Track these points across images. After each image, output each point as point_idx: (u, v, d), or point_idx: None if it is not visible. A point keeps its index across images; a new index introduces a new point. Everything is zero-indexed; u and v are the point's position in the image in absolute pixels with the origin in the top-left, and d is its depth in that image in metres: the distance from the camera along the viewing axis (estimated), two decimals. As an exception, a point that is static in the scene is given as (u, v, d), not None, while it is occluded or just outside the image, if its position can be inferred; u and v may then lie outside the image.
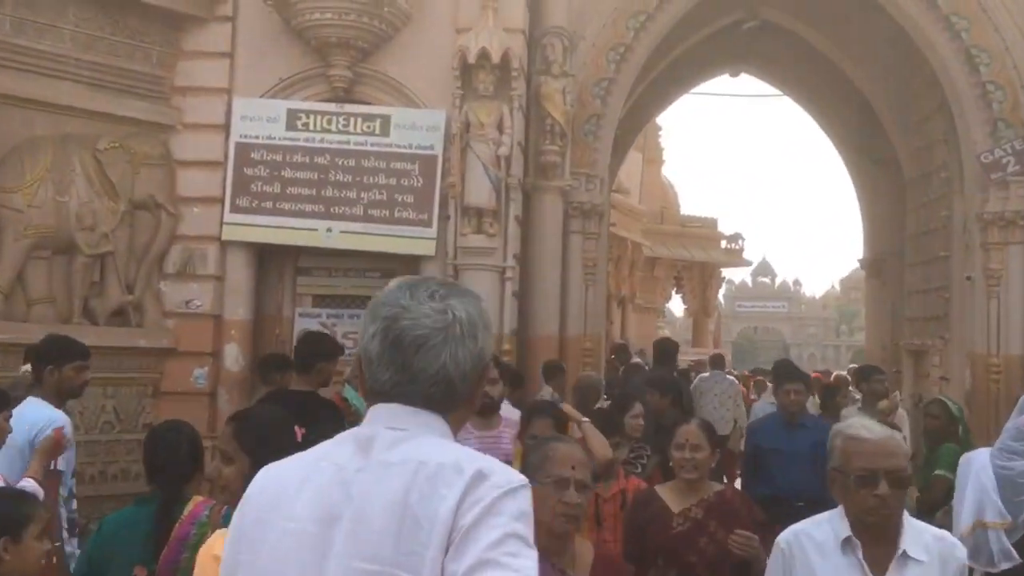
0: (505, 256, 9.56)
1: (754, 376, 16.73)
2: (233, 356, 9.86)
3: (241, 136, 9.87)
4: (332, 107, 9.88)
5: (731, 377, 13.57)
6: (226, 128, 9.93)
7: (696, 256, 27.23)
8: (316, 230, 9.79)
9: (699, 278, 27.99)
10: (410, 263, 10.10)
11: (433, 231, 9.71)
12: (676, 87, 15.66)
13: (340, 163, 9.80)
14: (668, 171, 28.08)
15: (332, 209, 9.76)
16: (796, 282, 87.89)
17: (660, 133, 27.36)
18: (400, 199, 9.74)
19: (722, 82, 16.35)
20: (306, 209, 9.79)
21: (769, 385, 11.68)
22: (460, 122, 9.46)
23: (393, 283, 1.83)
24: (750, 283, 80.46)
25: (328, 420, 5.01)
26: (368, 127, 9.81)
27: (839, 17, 12.89)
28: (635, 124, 14.96)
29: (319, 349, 6.02)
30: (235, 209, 9.85)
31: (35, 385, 5.13)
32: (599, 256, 10.87)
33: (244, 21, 10.01)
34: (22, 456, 4.63)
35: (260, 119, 9.86)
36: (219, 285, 9.93)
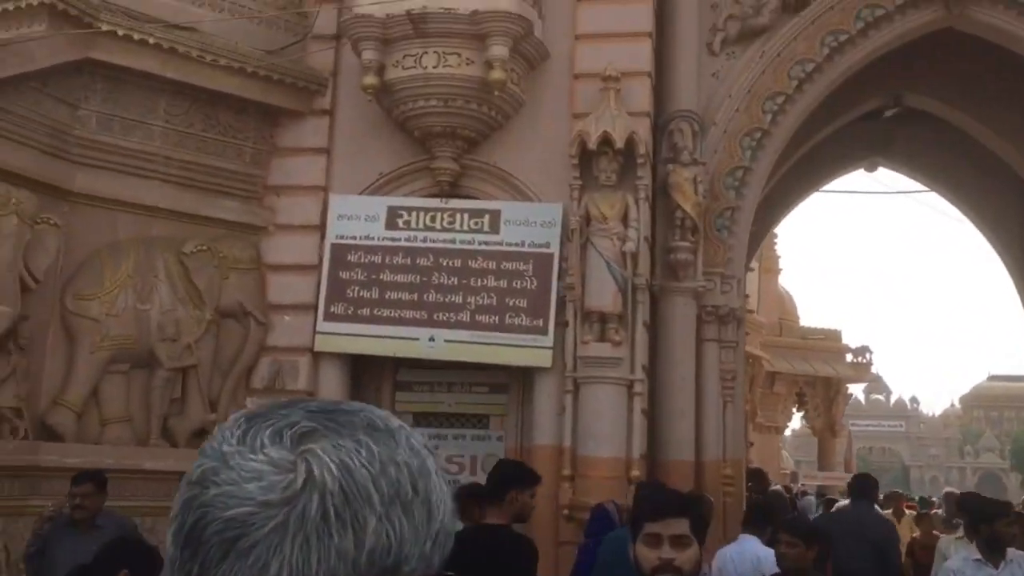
0: (633, 367, 8.26)
1: (906, 502, 14.53)
2: (323, 483, 8.69)
3: (337, 237, 8.98)
4: (436, 203, 8.93)
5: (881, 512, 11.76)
6: (321, 229, 9.07)
7: (819, 370, 25.24)
8: (417, 339, 8.71)
9: (823, 394, 25.88)
10: (523, 376, 8.90)
11: (549, 339, 8.51)
12: (805, 184, 14.37)
13: (445, 264, 8.77)
14: (786, 278, 26.49)
15: (436, 315, 8.69)
16: (913, 399, 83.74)
17: (776, 240, 25.89)
18: (512, 303, 8.61)
19: (856, 177, 14.96)
20: (407, 316, 8.74)
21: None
22: (579, 215, 8.36)
23: (233, 416, 0.91)
24: (863, 400, 76.82)
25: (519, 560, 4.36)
26: (476, 224, 8.80)
27: (996, 99, 11.50)
28: (760, 227, 13.64)
29: (511, 475, 5.11)
30: (329, 317, 8.88)
31: None
32: (737, 368, 9.45)
33: (343, 114, 9.27)
34: None
35: (358, 218, 8.97)
36: (310, 402, 8.86)
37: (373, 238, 8.92)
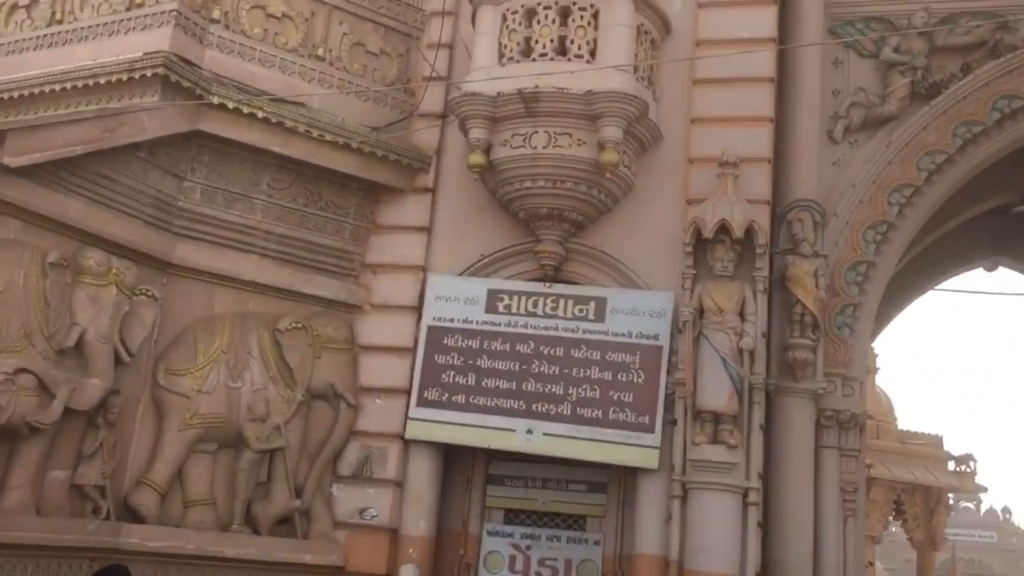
0: (748, 474, 7.60)
1: None
2: (409, 581, 8.18)
3: (435, 319, 8.63)
4: (539, 287, 8.53)
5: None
6: (418, 310, 8.74)
7: (920, 478, 23.75)
8: (514, 431, 8.23)
9: (923, 504, 24.28)
10: (626, 476, 8.32)
11: (656, 438, 7.94)
12: (920, 282, 13.56)
13: (546, 352, 8.32)
14: (885, 378, 25.31)
15: (534, 406, 8.21)
16: (1005, 509, 79.83)
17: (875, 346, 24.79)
18: (616, 397, 8.08)
19: (973, 276, 14.07)
20: (504, 405, 8.28)
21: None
22: (692, 307, 7.85)
23: None
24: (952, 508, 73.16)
25: None
26: (580, 311, 8.36)
27: None
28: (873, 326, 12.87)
29: None
30: (422, 402, 8.47)
31: None
32: (859, 479, 8.66)
33: (446, 193, 9.00)
34: None
35: (457, 300, 8.62)
36: (398, 492, 8.42)
37: (472, 322, 8.53)
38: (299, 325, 8.42)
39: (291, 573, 8.05)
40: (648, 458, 7.91)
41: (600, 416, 8.06)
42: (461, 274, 8.76)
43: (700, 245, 8.03)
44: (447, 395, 8.43)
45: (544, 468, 8.62)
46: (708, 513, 7.44)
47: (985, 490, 25.29)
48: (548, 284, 8.52)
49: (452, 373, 8.47)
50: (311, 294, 8.64)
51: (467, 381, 8.42)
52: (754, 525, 7.53)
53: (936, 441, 25.04)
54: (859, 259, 8.79)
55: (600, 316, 8.28)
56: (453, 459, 8.73)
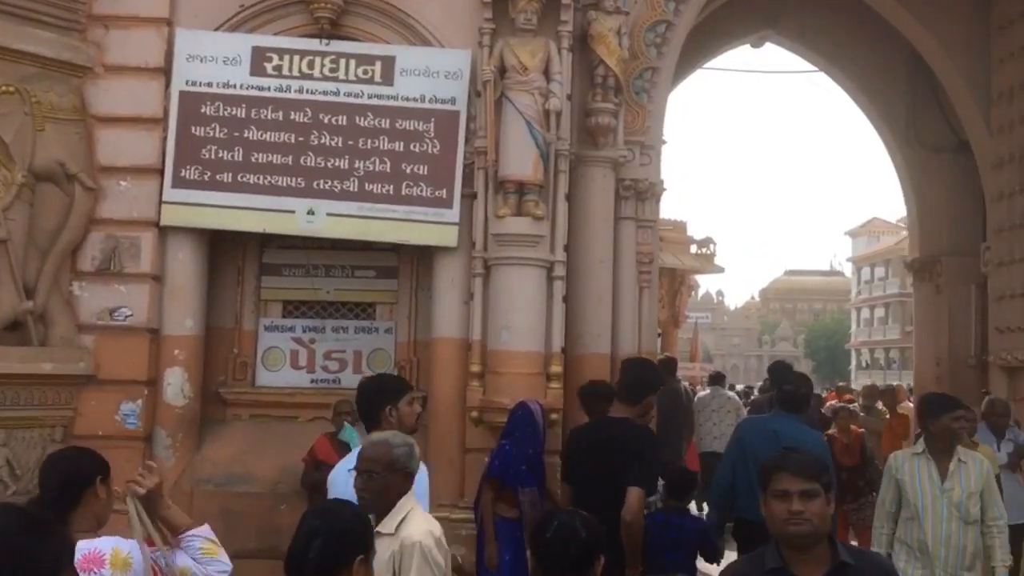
0: (554, 247, 7.08)
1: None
2: (177, 385, 7.15)
3: (188, 83, 7.21)
4: (315, 45, 7.28)
5: (730, 393, 12.55)
6: (166, 72, 7.25)
7: (667, 261, 25.06)
8: (292, 212, 7.18)
9: (668, 286, 25.78)
10: (420, 258, 7.57)
11: (455, 213, 7.20)
12: (688, 61, 13.35)
13: (326, 121, 7.21)
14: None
15: (315, 184, 7.17)
16: (719, 293, 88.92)
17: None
18: (409, 170, 7.20)
19: (740, 54, 14.14)
20: (279, 183, 7.18)
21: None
22: (493, 66, 6.96)
23: None
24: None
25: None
26: (365, 72, 7.25)
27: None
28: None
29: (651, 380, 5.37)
30: (179, 183, 7.18)
31: None
32: (654, 250, 8.46)
33: (192, -74, 7.35)
34: None
35: (215, 60, 7.22)
36: (156, 288, 7.22)
37: (234, 86, 7.20)
38: (11, 89, 6.74)
39: (30, 386, 6.78)
40: (446, 236, 7.19)
41: (391, 192, 7.17)
42: (218, 29, 7.32)
43: (500, -6, 7.07)
44: (209, 174, 7.17)
45: (327, 254, 7.70)
46: (513, 290, 6.89)
47: (722, 270, 27.03)
48: (325, 41, 7.28)
49: (214, 148, 7.19)
50: (24, 51, 6.88)
51: (233, 157, 7.18)
52: (559, 300, 7.10)
53: (681, 227, 26.32)
54: (659, 18, 8.21)
55: (388, 78, 7.22)
56: (221, 248, 7.60)
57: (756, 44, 13.65)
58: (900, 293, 53.57)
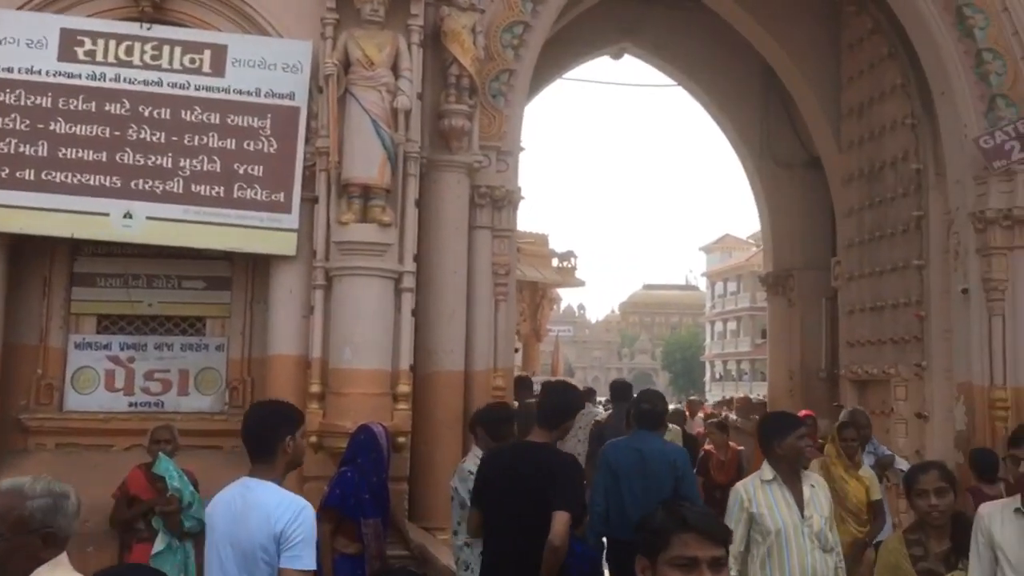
0: (402, 256, 6.54)
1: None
2: (-34, 412, 6.23)
3: (-17, 67, 6.32)
4: (135, 29, 6.53)
5: (597, 410, 11.54)
6: (-43, 54, 6.34)
7: (528, 275, 24.87)
8: (107, 215, 6.39)
9: (530, 299, 25.62)
10: (256, 267, 6.90)
11: (294, 218, 6.58)
12: (547, 70, 13.11)
13: (147, 114, 6.47)
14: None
15: (134, 184, 6.41)
16: (581, 307, 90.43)
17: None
18: (243, 171, 6.53)
19: (601, 65, 13.99)
20: (92, 183, 6.38)
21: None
22: (336, 59, 6.39)
23: None
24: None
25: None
26: (192, 61, 6.55)
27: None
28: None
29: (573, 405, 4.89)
30: (-28, 180, 6.27)
31: None
32: (511, 261, 8.04)
33: None
34: None
35: (15, 42, 6.38)
36: (-57, 300, 6.28)
37: (39, 72, 6.37)
38: None
39: None
40: (284, 243, 6.55)
41: (221, 194, 6.48)
42: (21, 8, 6.46)
43: (344, -17, 6.51)
44: (8, 171, 6.30)
45: (150, 263, 6.92)
46: (357, 303, 6.31)
47: (583, 284, 27.07)
48: (146, 26, 6.54)
49: (14, 141, 6.32)
50: None
51: (37, 152, 6.34)
52: (408, 313, 6.57)
53: (543, 240, 26.21)
54: (516, 18, 7.85)
55: (219, 69, 6.54)
56: (23, 255, 6.70)
57: (615, 56, 13.54)
58: (751, 307, 55.48)
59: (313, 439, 6.28)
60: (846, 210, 10.86)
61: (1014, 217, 8.07)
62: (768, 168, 13.05)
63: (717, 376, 65.40)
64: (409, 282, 6.55)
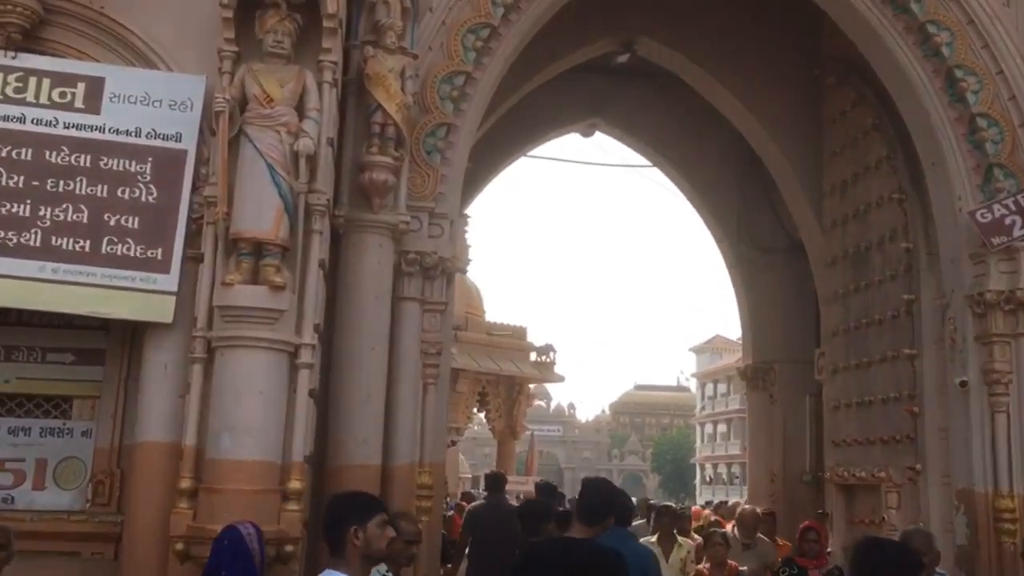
0: (300, 327, 5.50)
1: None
2: None
3: None
4: (-2, 57, 5.64)
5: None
6: None
7: (505, 369, 23.76)
8: (-50, 272, 5.37)
9: (506, 394, 24.44)
10: (134, 337, 5.85)
11: (172, 279, 5.58)
12: (513, 144, 12.37)
13: (4, 154, 5.52)
14: (475, 268, 24.93)
15: (-16, 235, 5.42)
16: (571, 406, 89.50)
17: (467, 223, 24.11)
18: (115, 222, 5.57)
19: (568, 142, 13.28)
20: (-68, 233, 5.38)
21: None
22: (231, 94, 5.48)
23: None
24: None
25: None
26: (63, 96, 5.66)
27: (741, 47, 10.17)
28: (473, 182, 11.44)
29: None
30: None
31: None
32: (444, 340, 7.00)
33: None
34: None
35: None
36: None
37: None
38: None
39: None
40: (159, 309, 5.53)
41: (88, 249, 5.49)
42: None
43: (246, 10, 5.65)
44: None
45: (7, 331, 5.87)
46: (240, 380, 5.25)
47: (563, 379, 25.94)
48: (11, 54, 5.65)
49: None
50: None
51: None
52: (305, 395, 5.49)
53: (520, 332, 25.22)
54: (456, 68, 7.01)
55: (94, 105, 5.64)
56: None
57: (585, 133, 12.82)
58: (740, 409, 54.28)
59: (179, 546, 5.14)
60: (830, 295, 9.91)
61: (1017, 300, 7.11)
62: (747, 253, 12.17)
63: (708, 479, 63.74)
64: (308, 357, 5.49)
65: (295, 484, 5.34)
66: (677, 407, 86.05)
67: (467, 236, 24.13)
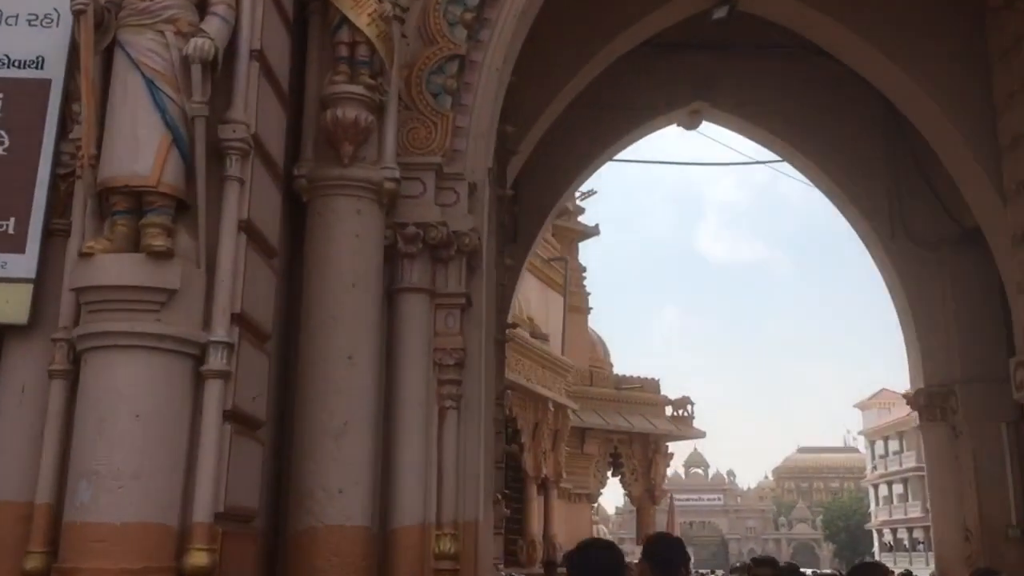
0: (209, 316, 3.65)
1: None
2: None
3: None
4: None
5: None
6: None
7: (637, 426, 21.46)
8: None
9: (641, 454, 22.08)
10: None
11: (30, 261, 3.85)
12: (600, 138, 10.36)
13: None
14: (598, 319, 23.07)
15: None
16: (730, 472, 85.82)
17: (585, 275, 22.17)
18: (-52, 184, 3.91)
19: (667, 136, 11.27)
20: None
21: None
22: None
23: None
24: (683, 474, 76.70)
25: None
26: None
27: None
28: (543, 194, 9.52)
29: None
30: None
31: None
32: (471, 348, 5.01)
33: None
34: None
35: None
36: None
37: None
38: None
39: None
40: (12, 303, 3.80)
41: (-85, 223, 3.85)
42: None
43: None
44: None
45: None
46: (108, 399, 3.43)
47: (703, 435, 23.35)
48: None
49: None
50: None
51: None
52: (217, 419, 3.59)
53: (653, 385, 22.94)
54: (470, -18, 5.15)
55: (-72, 28, 4.07)
56: None
57: (689, 125, 10.68)
58: (917, 467, 49.59)
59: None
60: (1022, 284, 7.38)
61: None
62: (905, 250, 9.72)
63: (887, 546, 58.55)
64: (221, 361, 3.62)
65: (198, 557, 3.42)
66: (846, 469, 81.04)
67: (584, 280, 22.32)
